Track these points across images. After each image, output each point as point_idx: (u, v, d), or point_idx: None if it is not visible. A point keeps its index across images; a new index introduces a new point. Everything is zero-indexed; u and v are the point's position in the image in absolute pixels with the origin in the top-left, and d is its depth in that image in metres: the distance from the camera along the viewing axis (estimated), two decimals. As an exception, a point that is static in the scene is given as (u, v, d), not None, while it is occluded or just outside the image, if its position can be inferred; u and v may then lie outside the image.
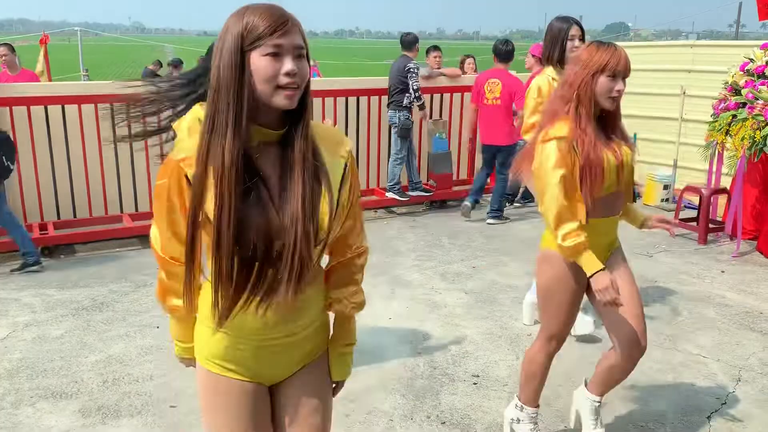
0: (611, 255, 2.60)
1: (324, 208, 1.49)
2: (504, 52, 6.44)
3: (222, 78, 1.39)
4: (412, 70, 6.52)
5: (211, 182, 1.42)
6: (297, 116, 1.46)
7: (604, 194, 2.42)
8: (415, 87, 6.49)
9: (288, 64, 1.38)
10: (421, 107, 6.65)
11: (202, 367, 1.67)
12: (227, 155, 1.38)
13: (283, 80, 1.38)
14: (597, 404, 2.77)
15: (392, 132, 6.78)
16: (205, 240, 1.50)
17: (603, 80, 2.35)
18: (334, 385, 1.79)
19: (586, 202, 2.36)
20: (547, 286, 2.60)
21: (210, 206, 1.43)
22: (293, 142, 1.46)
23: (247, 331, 1.58)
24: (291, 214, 1.43)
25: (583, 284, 2.52)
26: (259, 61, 1.37)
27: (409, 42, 6.76)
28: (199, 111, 1.50)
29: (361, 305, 1.74)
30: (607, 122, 2.46)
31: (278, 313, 1.55)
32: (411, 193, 6.88)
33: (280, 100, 1.40)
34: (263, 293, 1.48)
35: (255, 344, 1.60)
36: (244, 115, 1.39)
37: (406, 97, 6.55)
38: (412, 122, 6.68)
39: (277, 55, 1.38)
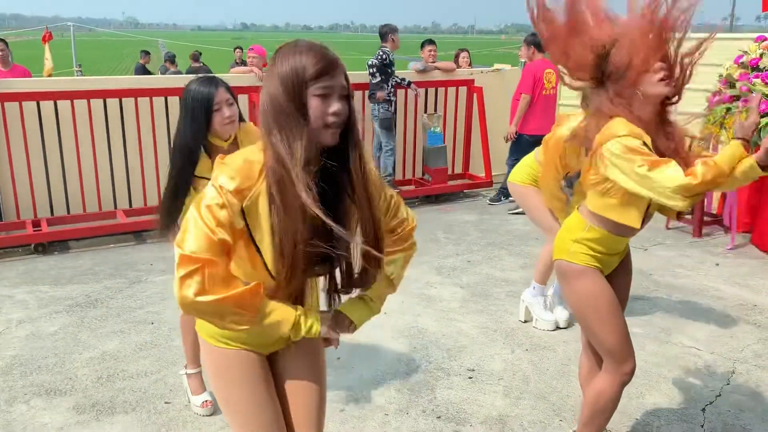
0: (621, 264, 2.52)
1: (378, 215, 1.67)
2: None
3: (289, 111, 1.50)
4: (375, 56, 6.62)
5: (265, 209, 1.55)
6: (341, 149, 1.57)
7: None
8: (370, 62, 6.59)
9: (335, 105, 1.51)
10: (378, 84, 6.63)
11: (210, 345, 1.76)
12: (308, 182, 1.49)
13: (330, 119, 1.51)
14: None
15: (375, 126, 6.82)
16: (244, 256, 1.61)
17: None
18: (349, 325, 1.84)
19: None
20: (576, 306, 2.43)
21: (265, 229, 1.57)
22: (348, 168, 1.58)
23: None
24: (359, 231, 1.64)
25: (607, 287, 2.39)
26: (311, 102, 1.50)
27: (383, 33, 6.83)
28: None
29: (397, 270, 1.89)
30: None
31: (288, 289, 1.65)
32: None
33: (326, 138, 1.53)
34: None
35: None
36: (312, 145, 1.51)
37: (385, 90, 6.58)
38: (391, 113, 6.69)
39: (325, 96, 1.51)
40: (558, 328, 3.98)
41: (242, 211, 1.54)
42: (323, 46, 1.54)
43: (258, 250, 1.58)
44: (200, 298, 1.51)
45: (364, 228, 1.62)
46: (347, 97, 1.55)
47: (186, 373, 3.14)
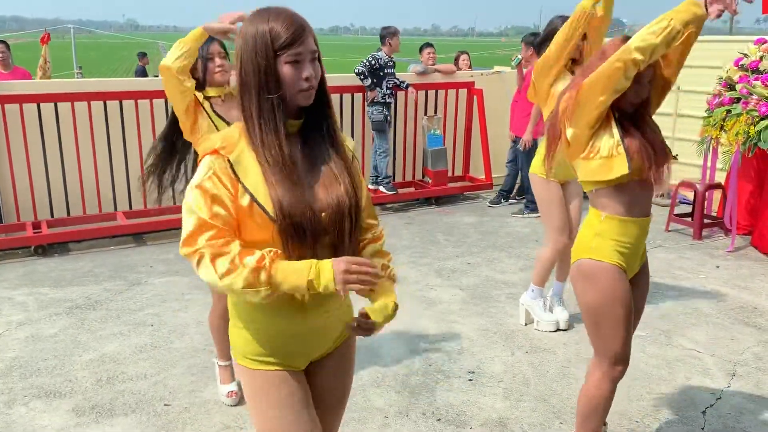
0: (641, 270, 2.52)
1: (360, 178, 1.70)
2: None
3: (262, 81, 1.55)
4: (361, 63, 6.63)
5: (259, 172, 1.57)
6: (316, 108, 1.64)
7: (630, 180, 2.32)
8: (356, 70, 6.61)
9: (307, 70, 1.56)
10: (370, 88, 6.63)
11: (245, 368, 1.73)
12: (284, 147, 1.57)
13: (304, 84, 1.57)
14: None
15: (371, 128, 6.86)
16: (251, 226, 1.58)
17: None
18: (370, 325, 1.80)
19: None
20: (595, 305, 2.40)
21: (262, 193, 1.56)
22: (320, 128, 1.66)
23: (282, 319, 1.66)
24: (339, 187, 1.62)
25: (629, 291, 2.39)
26: (284, 69, 1.55)
27: (381, 36, 6.85)
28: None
29: (394, 276, 1.94)
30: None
31: (318, 298, 1.64)
32: (371, 186, 6.90)
33: (302, 100, 1.59)
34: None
35: (293, 331, 1.69)
36: (283, 110, 1.58)
37: (377, 92, 6.59)
38: (385, 116, 6.69)
39: (297, 62, 1.55)
40: (558, 329, 3.98)
41: (231, 166, 1.57)
42: (292, 12, 1.57)
43: (259, 204, 1.56)
44: (222, 282, 1.52)
45: (346, 190, 1.63)
46: (318, 59, 1.60)
47: (216, 364, 3.26)
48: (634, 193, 2.35)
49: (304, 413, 1.71)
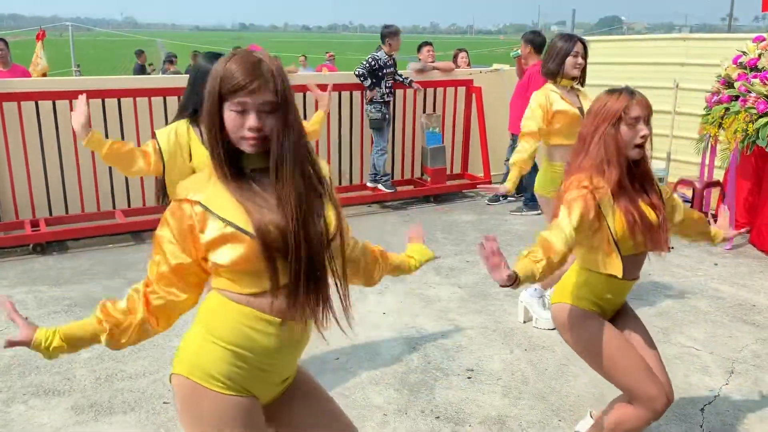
0: (620, 311, 2.51)
1: (329, 211, 1.66)
2: None
3: (208, 118, 1.57)
4: (361, 65, 6.65)
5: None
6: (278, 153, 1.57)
7: (632, 254, 2.30)
8: (356, 72, 6.63)
9: (251, 121, 1.53)
10: (370, 88, 6.65)
11: (204, 389, 1.61)
12: (232, 183, 1.59)
13: (247, 134, 1.54)
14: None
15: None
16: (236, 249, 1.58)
17: (624, 129, 2.23)
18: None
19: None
20: (591, 351, 2.36)
21: (242, 219, 1.58)
22: (283, 170, 1.57)
23: (259, 351, 1.63)
24: (291, 219, 1.56)
25: (608, 319, 2.39)
26: (227, 114, 1.54)
27: (381, 35, 6.84)
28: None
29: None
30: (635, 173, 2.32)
31: (295, 333, 1.66)
32: (370, 185, 6.89)
33: (246, 147, 1.57)
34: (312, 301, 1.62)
35: (261, 366, 1.66)
36: (226, 151, 1.58)
37: (376, 91, 6.60)
38: (384, 114, 6.69)
39: (242, 112, 1.53)
40: (554, 328, 3.97)
41: (201, 204, 1.58)
42: (258, 59, 1.54)
43: (242, 229, 1.57)
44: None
45: (299, 210, 1.59)
46: (275, 111, 1.54)
47: None
48: (628, 261, 2.32)
49: None
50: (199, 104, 2.71)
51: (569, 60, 3.73)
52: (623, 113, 2.22)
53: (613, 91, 2.29)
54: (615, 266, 2.29)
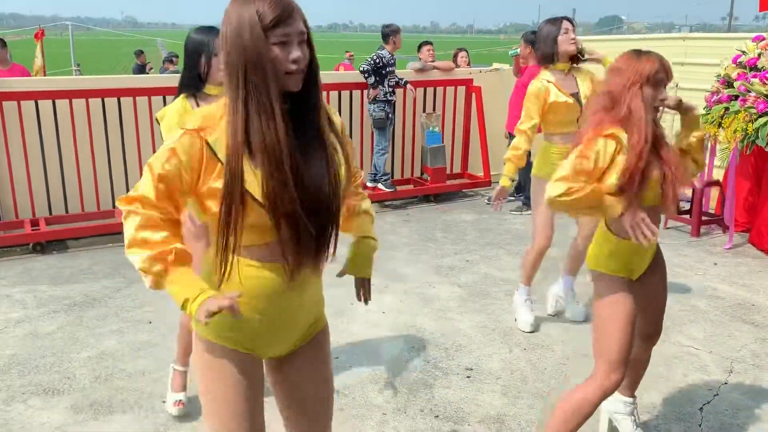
0: (651, 269, 2.57)
1: (341, 170, 1.65)
2: None
3: (250, 60, 1.48)
4: (366, 62, 6.66)
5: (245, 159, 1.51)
6: (303, 93, 1.56)
7: (646, 206, 2.33)
8: (362, 68, 6.65)
9: (294, 52, 1.50)
10: (373, 86, 6.67)
11: (208, 341, 1.69)
12: (281, 132, 1.49)
13: (291, 67, 1.50)
14: (631, 405, 2.73)
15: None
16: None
17: (648, 90, 2.29)
18: (361, 283, 2.07)
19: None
20: (603, 311, 2.45)
21: (252, 182, 1.51)
22: (308, 114, 1.58)
23: (263, 298, 1.63)
24: (321, 179, 1.57)
25: (633, 302, 2.44)
26: (269, 49, 1.49)
27: (384, 34, 6.86)
28: (184, 101, 1.58)
29: (370, 208, 1.96)
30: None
31: (298, 277, 1.63)
32: (369, 184, 6.90)
33: (289, 84, 1.53)
34: (316, 249, 1.61)
35: (267, 315, 1.65)
36: (279, 92, 1.50)
37: (379, 89, 6.61)
38: (387, 113, 6.70)
39: (285, 43, 1.49)
40: (533, 331, 3.96)
41: (210, 147, 1.52)
42: None
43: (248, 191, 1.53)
44: (127, 252, 1.65)
45: (329, 171, 1.60)
46: (307, 42, 1.54)
47: (173, 368, 3.12)
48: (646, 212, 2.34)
49: (251, 399, 1.70)
50: (194, 79, 2.74)
51: (561, 38, 3.69)
52: (652, 75, 2.28)
53: (640, 52, 2.34)
54: (616, 208, 2.29)
